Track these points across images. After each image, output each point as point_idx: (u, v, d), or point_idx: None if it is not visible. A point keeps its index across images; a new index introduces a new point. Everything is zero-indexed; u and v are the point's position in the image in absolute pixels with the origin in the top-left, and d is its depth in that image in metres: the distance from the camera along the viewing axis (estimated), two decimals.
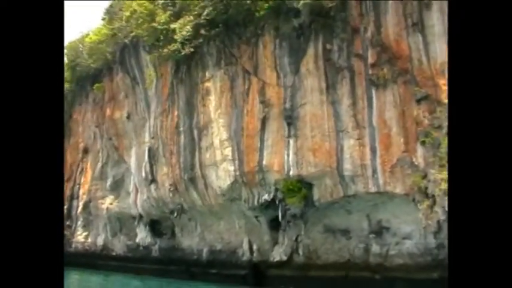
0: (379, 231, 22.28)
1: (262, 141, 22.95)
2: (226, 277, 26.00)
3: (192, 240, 27.61)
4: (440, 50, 21.60)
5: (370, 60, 21.96)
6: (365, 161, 21.36)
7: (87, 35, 34.88)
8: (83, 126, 34.79)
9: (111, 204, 31.62)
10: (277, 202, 23.00)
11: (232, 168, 23.38)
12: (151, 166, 27.37)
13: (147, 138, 28.76)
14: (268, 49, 23.46)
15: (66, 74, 35.42)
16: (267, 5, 22.73)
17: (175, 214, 26.72)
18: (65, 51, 36.04)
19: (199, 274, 27.38)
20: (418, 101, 21.29)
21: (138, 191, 29.54)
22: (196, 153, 24.99)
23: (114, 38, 29.84)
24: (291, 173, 22.30)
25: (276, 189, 22.97)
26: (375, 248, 22.13)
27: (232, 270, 25.82)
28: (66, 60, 35.45)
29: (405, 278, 21.21)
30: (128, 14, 27.03)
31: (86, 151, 34.26)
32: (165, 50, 25.20)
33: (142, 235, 29.90)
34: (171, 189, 26.08)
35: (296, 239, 24.01)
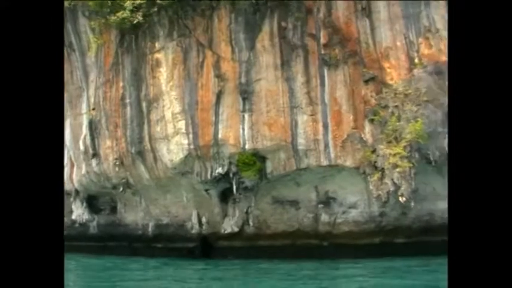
0: (327, 201, 24.03)
1: (217, 115, 23.29)
2: (171, 250, 26.30)
3: (136, 215, 27.34)
4: (385, 36, 23.60)
5: (323, 40, 23.27)
6: (318, 136, 22.81)
7: None
8: None
9: None
10: (231, 175, 23.65)
11: (186, 141, 23.45)
12: (92, 139, 26.31)
13: (84, 109, 27.48)
14: (224, 23, 23.63)
15: None
16: None
17: (121, 189, 26.12)
18: None
19: (143, 249, 27.32)
20: (366, 82, 23.16)
21: (74, 165, 28.25)
22: (145, 126, 24.59)
23: None
24: (247, 146, 23.04)
25: (230, 163, 23.57)
26: (324, 217, 23.86)
27: (179, 243, 26.16)
28: None
29: (351, 244, 23.29)
30: None
31: None
32: (113, 18, 24.10)
33: (78, 212, 28.84)
34: (116, 163, 25.43)
35: (246, 211, 24.96)
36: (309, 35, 23.40)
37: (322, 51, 23.20)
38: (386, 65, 23.26)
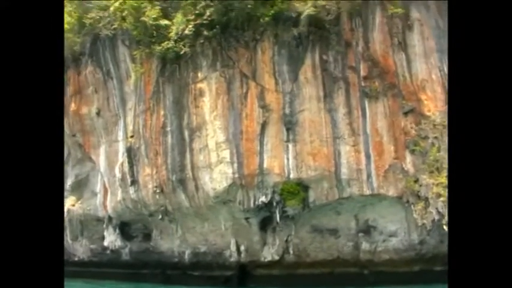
0: (367, 230, 24.73)
1: (261, 144, 24.01)
2: (208, 279, 26.63)
3: (173, 243, 27.68)
4: (421, 69, 24.71)
5: (363, 73, 24.30)
6: (360, 165, 23.60)
7: None
8: None
9: (72, 205, 30.13)
10: (274, 204, 24.25)
11: (230, 170, 24.06)
12: (130, 166, 26.77)
13: (121, 136, 27.99)
14: (267, 55, 24.54)
15: None
16: (272, 11, 23.76)
17: (160, 216, 26.52)
18: None
19: (177, 277, 27.60)
20: (405, 113, 24.13)
21: (109, 191, 28.62)
22: (187, 155, 25.16)
23: (85, 29, 28.40)
24: (291, 176, 23.73)
25: (273, 192, 24.20)
26: (365, 245, 24.52)
27: (216, 271, 26.52)
28: None
29: (391, 271, 23.93)
30: (117, 4, 25.98)
31: None
32: (157, 47, 24.90)
33: (111, 238, 29.07)
34: (156, 190, 25.87)
35: (286, 239, 25.52)
36: (350, 68, 24.40)
37: (363, 84, 24.18)
38: (423, 97, 24.30)
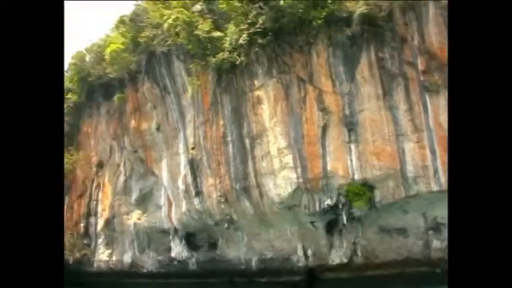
0: (437, 227, 24.21)
1: (324, 147, 24.05)
2: (275, 285, 26.79)
3: (239, 251, 28.04)
4: None
5: (421, 67, 23.83)
6: (426, 162, 23.17)
7: (96, 44, 34.14)
8: (95, 140, 33.78)
9: (138, 219, 31.10)
10: (340, 206, 24.20)
11: (294, 175, 24.22)
12: (194, 178, 27.41)
13: (182, 149, 28.73)
14: (322, 57, 24.62)
15: (74, 86, 34.36)
16: (323, 13, 23.86)
17: (226, 225, 26.99)
18: (72, 61, 34.93)
19: (244, 284, 27.92)
20: None
21: (173, 204, 29.38)
22: (250, 163, 25.53)
23: (140, 47, 29.46)
24: (356, 177, 23.62)
25: (339, 194, 24.16)
26: (435, 243, 24.02)
27: (284, 277, 26.64)
28: (73, 71, 34.38)
29: None
30: (171, 21, 26.81)
31: (100, 165, 33.31)
32: (213, 59, 25.48)
33: (178, 249, 29.78)
34: (221, 200, 26.35)
35: (354, 241, 25.38)
36: (407, 63, 24.06)
37: (422, 78, 23.76)
38: None
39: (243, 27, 25.30)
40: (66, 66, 38.27)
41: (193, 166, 27.55)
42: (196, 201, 27.61)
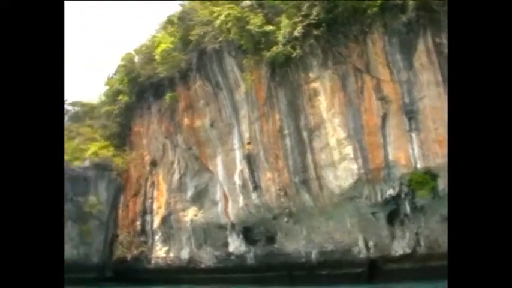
0: None
1: (384, 137, 23.94)
2: (336, 277, 26.78)
3: (298, 244, 28.19)
4: None
5: None
6: None
7: (144, 45, 34.93)
8: (147, 139, 34.55)
9: (195, 215, 31.68)
10: (402, 196, 24.06)
11: (355, 166, 24.21)
12: (251, 172, 27.73)
13: (237, 144, 29.08)
14: (378, 46, 24.45)
15: (124, 88, 35.24)
16: (378, 1, 23.69)
17: (285, 219, 27.23)
18: (121, 63, 35.83)
19: (303, 277, 28.04)
20: None
21: (229, 199, 29.80)
22: (308, 155, 25.63)
23: (190, 45, 29.93)
24: (418, 165, 23.41)
25: (401, 184, 24.02)
26: None
27: (345, 269, 26.63)
28: (123, 73, 35.27)
29: None
30: (222, 17, 27.15)
31: (154, 164, 34.07)
32: (267, 53, 25.66)
33: (235, 244, 30.20)
34: (281, 193, 26.58)
35: (416, 231, 25.17)
36: None
37: None
38: None
39: (296, 19, 25.38)
40: (114, 69, 39.58)
41: (250, 161, 27.86)
42: (254, 195, 27.92)
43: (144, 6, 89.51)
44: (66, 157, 37.88)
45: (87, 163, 33.54)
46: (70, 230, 32.22)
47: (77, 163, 34.27)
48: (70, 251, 32.46)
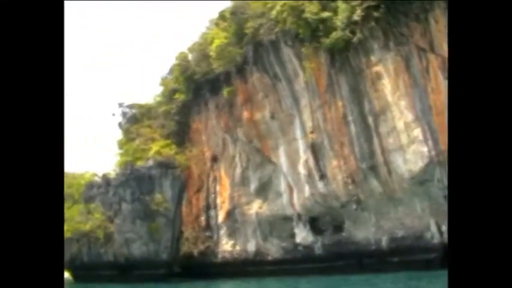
0: None
1: None
2: (407, 263, 26.26)
3: (368, 231, 27.93)
4: None
5: None
6: None
7: (197, 43, 35.51)
8: (206, 135, 35.07)
9: (260, 208, 31.96)
10: None
11: (425, 149, 23.72)
12: (317, 161, 27.67)
13: (298, 134, 29.07)
14: (441, 23, 23.75)
15: (180, 86, 35.93)
16: None
17: (354, 206, 27.05)
18: (176, 62, 36.56)
19: (373, 265, 27.70)
20: None
21: (294, 189, 29.87)
22: (375, 140, 25.33)
23: (245, 38, 30.15)
24: None
25: None
26: None
27: (417, 255, 26.13)
28: (178, 71, 35.98)
29: None
30: (278, 8, 27.21)
31: (214, 159, 34.57)
32: (327, 40, 25.50)
33: (302, 234, 30.24)
34: (348, 181, 26.40)
35: None
36: None
37: None
38: None
39: (354, 3, 25.07)
40: (167, 69, 40.42)
41: (315, 150, 27.78)
42: (320, 184, 27.84)
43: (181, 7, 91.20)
44: (127, 158, 39.33)
45: (150, 162, 34.40)
46: (139, 228, 33.26)
47: (140, 163, 35.27)
48: (140, 249, 33.57)
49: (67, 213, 38.31)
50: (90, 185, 35.88)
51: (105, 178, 35.88)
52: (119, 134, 41.92)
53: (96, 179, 37.58)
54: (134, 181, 33.73)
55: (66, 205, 43.04)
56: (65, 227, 37.12)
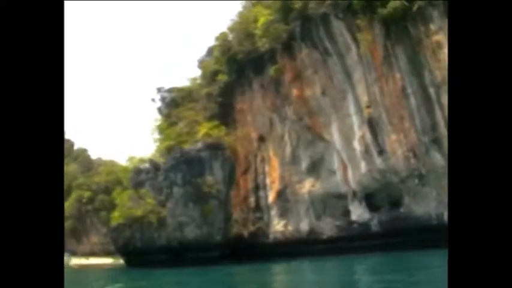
0: None
1: None
2: None
3: (428, 206, 27.43)
4: None
5: None
6: None
7: (237, 22, 34.96)
8: (252, 115, 34.67)
9: (312, 186, 31.64)
10: None
11: None
12: (375, 136, 27.13)
13: (352, 110, 28.51)
14: None
15: (221, 67, 35.50)
16: None
17: (416, 181, 26.54)
18: (216, 43, 36.13)
19: (433, 240, 27.20)
20: None
21: (348, 166, 29.43)
22: (437, 112, 24.68)
23: (292, 14, 29.48)
24: None
25: None
26: None
27: None
28: (219, 52, 35.54)
29: None
30: None
31: (261, 139, 34.22)
32: (384, 11, 24.73)
33: (358, 212, 29.90)
34: (409, 155, 25.85)
35: None
36: None
37: None
38: None
39: None
40: (204, 51, 39.98)
41: (372, 125, 27.23)
42: (378, 160, 27.36)
43: None
44: (170, 142, 39.13)
45: (199, 145, 34.11)
46: (192, 211, 33.11)
47: (186, 146, 35.02)
48: (194, 232, 33.46)
49: (118, 199, 38.73)
50: (138, 170, 35.78)
51: (153, 163, 35.77)
52: (152, 120, 41.77)
53: (144, 164, 37.39)
54: (184, 164, 33.53)
55: (116, 191, 43.62)
56: (117, 213, 37.67)
